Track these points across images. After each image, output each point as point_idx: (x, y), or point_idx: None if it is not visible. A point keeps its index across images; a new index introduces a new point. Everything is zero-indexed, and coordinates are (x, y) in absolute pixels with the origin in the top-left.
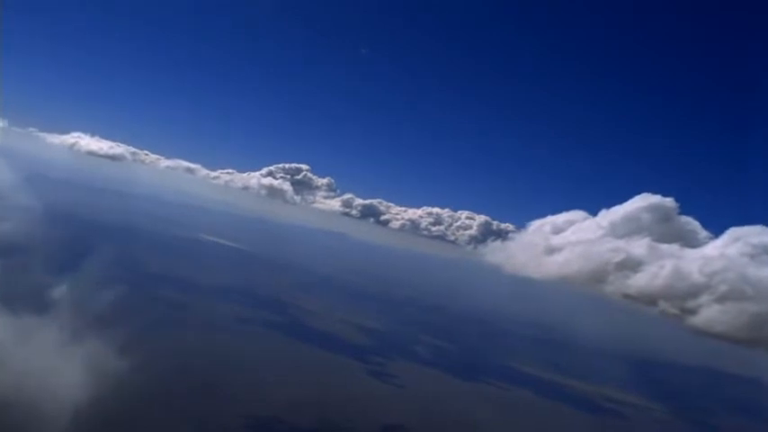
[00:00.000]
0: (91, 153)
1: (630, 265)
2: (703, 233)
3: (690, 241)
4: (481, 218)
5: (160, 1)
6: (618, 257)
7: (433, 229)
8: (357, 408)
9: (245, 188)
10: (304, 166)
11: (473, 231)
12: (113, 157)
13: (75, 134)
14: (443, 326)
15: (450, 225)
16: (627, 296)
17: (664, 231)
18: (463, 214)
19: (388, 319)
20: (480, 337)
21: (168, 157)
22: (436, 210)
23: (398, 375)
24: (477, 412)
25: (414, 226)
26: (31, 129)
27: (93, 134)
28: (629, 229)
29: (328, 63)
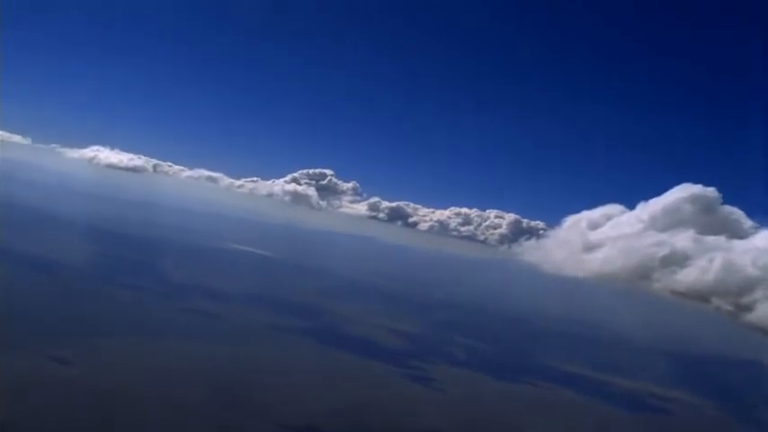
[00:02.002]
0: (110, 166)
1: (676, 259)
2: (748, 223)
3: (736, 232)
4: (510, 216)
5: (177, 13)
6: (662, 252)
7: (463, 229)
8: (397, 413)
9: (270, 195)
10: (328, 172)
11: (503, 230)
12: (134, 170)
13: (94, 148)
14: (481, 327)
15: (480, 225)
16: (676, 293)
17: (707, 223)
18: (492, 213)
19: (424, 322)
20: (520, 337)
21: (190, 168)
22: (464, 210)
23: (437, 379)
24: (519, 414)
25: (442, 227)
26: (53, 144)
27: (111, 147)
28: (671, 221)
29: (347, 67)
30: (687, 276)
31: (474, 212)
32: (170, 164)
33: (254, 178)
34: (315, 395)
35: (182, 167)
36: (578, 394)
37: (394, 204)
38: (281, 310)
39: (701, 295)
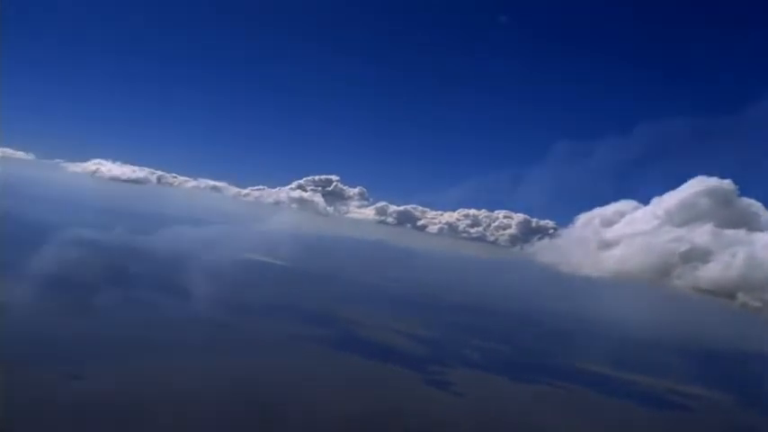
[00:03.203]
0: (114, 178)
1: (697, 255)
2: (766, 215)
3: (755, 225)
4: (519, 216)
5: (176, 24)
6: (682, 248)
7: (472, 231)
8: (417, 419)
9: (277, 203)
10: (334, 177)
11: (513, 231)
12: (137, 181)
13: (96, 161)
14: (497, 328)
15: (489, 226)
16: (699, 289)
17: (725, 216)
18: (500, 214)
19: (440, 326)
20: (537, 337)
21: (194, 178)
22: (472, 211)
23: (456, 382)
24: (540, 415)
25: (452, 229)
26: (56, 159)
27: (114, 160)
28: (688, 216)
29: (346, 72)
30: (710, 272)
31: (482, 213)
32: (174, 175)
33: (260, 186)
34: (336, 404)
35: (186, 178)
36: (597, 393)
37: (401, 208)
38: (298, 318)
39: (725, 291)
